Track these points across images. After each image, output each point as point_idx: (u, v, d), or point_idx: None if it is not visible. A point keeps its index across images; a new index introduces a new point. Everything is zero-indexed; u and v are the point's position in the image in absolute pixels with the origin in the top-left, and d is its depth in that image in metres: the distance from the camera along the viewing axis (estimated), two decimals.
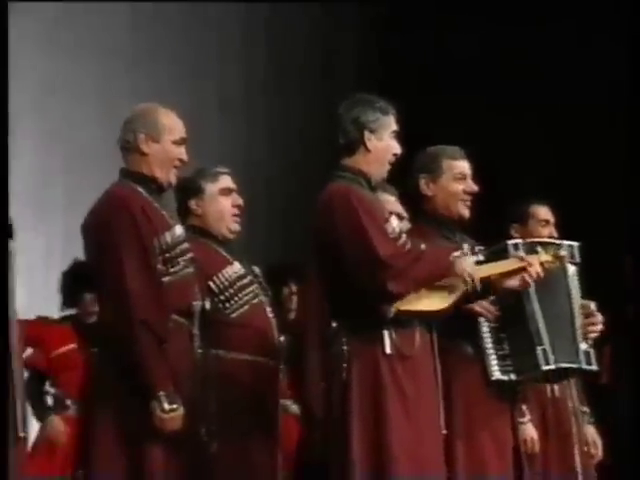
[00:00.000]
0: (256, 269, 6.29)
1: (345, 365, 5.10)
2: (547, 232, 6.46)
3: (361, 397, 5.05)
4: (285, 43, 12.98)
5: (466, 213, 5.91)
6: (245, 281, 5.80)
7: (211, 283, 5.70)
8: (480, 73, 12.82)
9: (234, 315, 5.79)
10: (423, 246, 5.29)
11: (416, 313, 5.12)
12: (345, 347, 5.10)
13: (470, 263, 5.24)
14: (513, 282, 5.43)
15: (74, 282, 8.03)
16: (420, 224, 5.92)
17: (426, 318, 5.22)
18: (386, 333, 5.02)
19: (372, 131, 5.28)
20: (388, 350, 5.01)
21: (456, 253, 5.31)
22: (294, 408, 7.55)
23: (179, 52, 12.37)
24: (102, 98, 10.70)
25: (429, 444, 5.17)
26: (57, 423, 7.56)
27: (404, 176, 5.87)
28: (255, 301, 5.81)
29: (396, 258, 5.05)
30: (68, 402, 8.11)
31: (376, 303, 5.04)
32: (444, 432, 5.33)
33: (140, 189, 5.37)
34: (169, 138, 5.26)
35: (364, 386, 5.06)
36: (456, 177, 5.74)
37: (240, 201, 5.93)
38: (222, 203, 5.86)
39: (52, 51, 11.07)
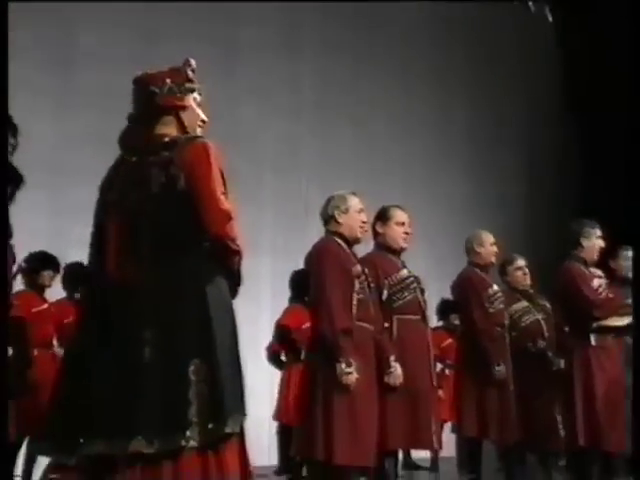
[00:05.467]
0: None
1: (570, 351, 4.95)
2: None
3: (576, 363, 4.88)
4: None
5: None
6: None
7: None
8: None
9: None
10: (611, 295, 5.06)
11: (608, 327, 4.95)
12: (570, 340, 4.96)
13: None
14: None
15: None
16: None
17: (614, 329, 4.98)
18: (593, 335, 4.87)
19: None
20: (593, 343, 4.86)
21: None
22: None
23: None
24: None
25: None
26: None
27: None
28: None
29: (596, 300, 4.88)
30: None
31: (589, 322, 4.87)
32: None
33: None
34: None
35: (578, 359, 4.88)
36: None
37: None
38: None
39: None
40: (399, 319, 4.19)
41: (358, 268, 3.94)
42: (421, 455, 7.66)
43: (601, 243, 5.08)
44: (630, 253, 5.59)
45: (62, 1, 6.85)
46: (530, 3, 11.47)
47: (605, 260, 5.47)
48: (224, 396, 2.41)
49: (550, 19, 11.57)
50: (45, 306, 5.25)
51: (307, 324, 5.67)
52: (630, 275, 5.51)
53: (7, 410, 2.97)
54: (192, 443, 2.34)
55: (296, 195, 7.85)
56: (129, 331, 2.47)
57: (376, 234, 4.37)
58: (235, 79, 7.24)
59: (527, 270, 5.78)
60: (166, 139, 2.62)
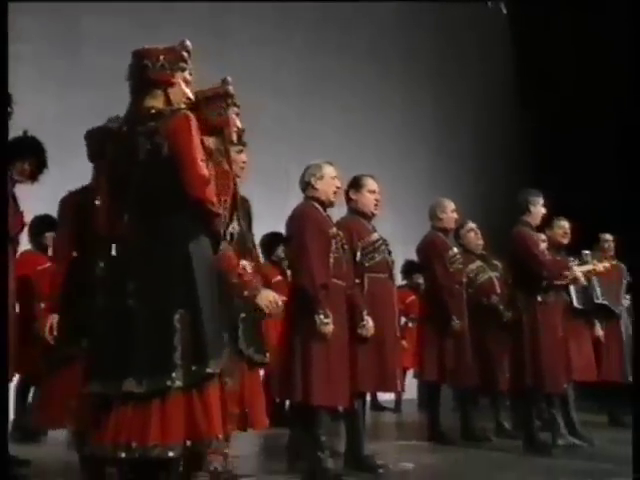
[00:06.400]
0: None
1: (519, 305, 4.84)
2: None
3: (525, 316, 4.76)
4: None
5: None
6: None
7: None
8: None
9: None
10: (558, 257, 5.04)
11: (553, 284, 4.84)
12: (519, 296, 4.85)
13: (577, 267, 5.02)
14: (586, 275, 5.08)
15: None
16: None
17: (555, 287, 4.87)
18: (539, 292, 4.76)
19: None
20: (539, 299, 4.76)
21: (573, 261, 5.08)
22: None
23: None
24: None
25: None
26: None
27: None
28: None
29: (546, 261, 4.78)
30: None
31: (538, 281, 4.76)
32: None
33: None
34: None
35: (526, 312, 4.77)
36: None
37: None
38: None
39: None
40: (370, 277, 4.12)
41: (334, 230, 3.88)
42: (386, 398, 7.74)
43: (543, 210, 5.02)
44: (564, 223, 5.55)
45: (63, 1, 6.66)
46: (489, 3, 11.36)
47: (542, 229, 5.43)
48: (206, 341, 2.41)
49: (504, 11, 11.48)
50: (49, 264, 5.11)
51: (274, 279, 5.73)
52: (562, 241, 5.52)
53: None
54: (177, 383, 2.36)
55: (278, 170, 7.71)
56: (118, 285, 2.47)
57: (349, 200, 4.26)
58: (227, 63, 7.11)
59: (478, 231, 5.76)
60: (153, 110, 2.57)
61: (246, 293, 2.94)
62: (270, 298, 3.02)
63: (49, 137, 4.05)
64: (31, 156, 3.74)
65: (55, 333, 3.20)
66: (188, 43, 2.64)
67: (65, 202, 3.44)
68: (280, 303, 3.11)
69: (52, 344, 3.16)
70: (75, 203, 3.34)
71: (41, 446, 4.75)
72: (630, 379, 6.12)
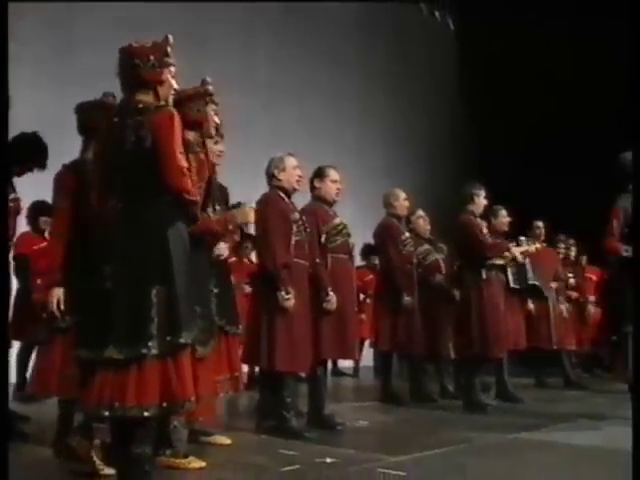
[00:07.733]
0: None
1: (466, 283, 4.85)
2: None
3: (472, 292, 4.79)
4: None
5: None
6: None
7: None
8: None
9: None
10: (498, 241, 5.07)
11: (494, 264, 4.88)
12: (466, 275, 4.86)
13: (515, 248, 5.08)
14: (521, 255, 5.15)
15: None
16: None
17: (497, 266, 4.96)
18: (483, 270, 4.81)
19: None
20: (484, 276, 4.81)
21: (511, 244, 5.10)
22: None
23: None
24: None
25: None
26: None
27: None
28: None
29: (487, 244, 4.82)
30: None
31: (482, 261, 4.80)
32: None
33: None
34: None
35: (473, 289, 4.79)
36: None
37: None
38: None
39: None
40: (333, 257, 4.08)
41: (296, 215, 3.82)
42: (345, 364, 7.75)
43: (485, 201, 5.02)
44: (505, 212, 5.55)
45: (58, 1, 6.47)
46: (437, 13, 11.35)
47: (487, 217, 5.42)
48: (179, 315, 2.40)
49: (452, 27, 11.50)
50: (45, 244, 4.94)
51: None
52: (505, 229, 5.51)
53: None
54: (153, 351, 2.36)
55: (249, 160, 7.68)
56: (101, 263, 2.46)
57: (313, 188, 4.19)
58: (202, 63, 6.99)
59: (427, 218, 5.77)
60: (141, 105, 2.53)
61: (230, 227, 3.01)
62: (246, 210, 3.10)
63: (47, 126, 3.90)
64: (34, 162, 3.55)
65: (62, 306, 2.92)
66: (171, 37, 2.57)
67: (62, 176, 3.08)
68: (254, 205, 3.17)
69: (57, 316, 2.93)
70: (72, 176, 3.02)
71: (40, 406, 4.63)
72: (555, 347, 6.29)
